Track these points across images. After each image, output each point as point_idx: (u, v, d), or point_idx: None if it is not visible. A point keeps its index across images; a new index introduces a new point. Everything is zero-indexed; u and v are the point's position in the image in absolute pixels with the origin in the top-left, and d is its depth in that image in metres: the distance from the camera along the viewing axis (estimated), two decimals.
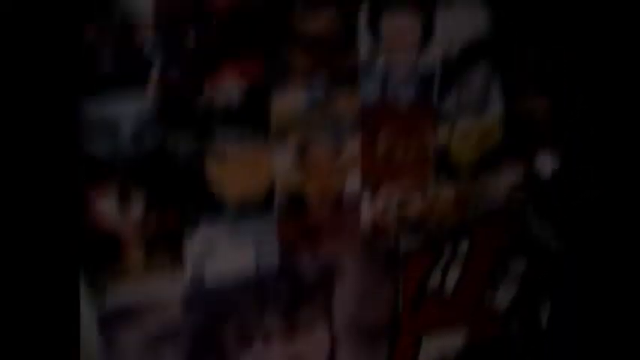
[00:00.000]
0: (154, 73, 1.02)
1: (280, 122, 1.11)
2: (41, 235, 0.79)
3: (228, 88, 1.06)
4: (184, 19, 1.02)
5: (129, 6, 0.99)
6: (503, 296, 1.43)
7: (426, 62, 1.21)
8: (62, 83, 0.87)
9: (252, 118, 1.09)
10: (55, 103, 0.84)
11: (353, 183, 1.20)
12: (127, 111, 1.02)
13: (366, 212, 1.23)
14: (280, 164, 1.13)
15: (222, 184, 1.10)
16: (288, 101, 1.11)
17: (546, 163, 1.32)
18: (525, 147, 1.34)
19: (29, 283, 0.78)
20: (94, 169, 1.01)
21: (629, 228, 1.21)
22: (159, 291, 1.10)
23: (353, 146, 1.18)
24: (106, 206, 1.04)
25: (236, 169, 1.10)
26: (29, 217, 0.79)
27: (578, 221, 1.30)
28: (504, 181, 1.35)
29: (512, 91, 1.31)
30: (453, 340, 1.42)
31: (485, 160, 1.31)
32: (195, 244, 1.11)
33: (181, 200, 1.09)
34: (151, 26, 1.00)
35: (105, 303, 1.07)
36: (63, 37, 0.89)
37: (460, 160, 1.29)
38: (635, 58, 1.20)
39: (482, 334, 1.44)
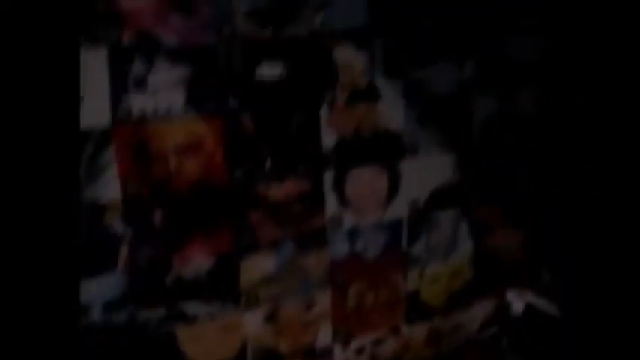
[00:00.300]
0: (123, 252, 1.05)
1: (250, 287, 1.14)
2: None
3: (196, 260, 1.09)
4: (151, 199, 1.05)
5: (97, 188, 1.01)
6: None
7: (394, 212, 1.23)
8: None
9: (222, 286, 1.12)
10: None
11: (325, 335, 1.22)
12: (97, 291, 1.04)
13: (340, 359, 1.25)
14: (251, 326, 1.15)
15: (193, 351, 1.12)
16: (257, 267, 1.13)
17: (518, 298, 1.34)
18: (496, 282, 1.36)
19: None
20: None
21: (629, 228, 1.20)
22: None
23: (323, 301, 1.20)
24: None
25: (207, 335, 1.12)
26: None
27: (578, 221, 1.29)
28: (476, 315, 1.37)
29: (480, 230, 1.33)
30: None
31: (456, 298, 1.34)
32: None
33: None
34: (120, 207, 1.03)
35: None
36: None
37: (431, 301, 1.31)
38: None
39: None
